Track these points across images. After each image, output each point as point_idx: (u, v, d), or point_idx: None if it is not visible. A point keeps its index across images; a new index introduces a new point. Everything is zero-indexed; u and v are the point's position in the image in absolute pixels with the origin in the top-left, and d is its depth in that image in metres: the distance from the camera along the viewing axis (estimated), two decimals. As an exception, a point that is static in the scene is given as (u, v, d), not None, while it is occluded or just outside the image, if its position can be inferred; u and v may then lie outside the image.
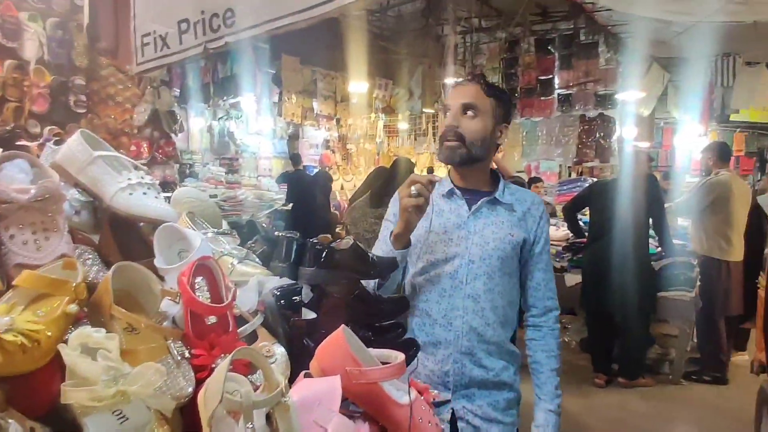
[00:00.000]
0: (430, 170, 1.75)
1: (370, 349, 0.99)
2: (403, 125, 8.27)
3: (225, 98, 6.92)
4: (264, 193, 6.04)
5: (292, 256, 1.19)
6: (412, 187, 1.35)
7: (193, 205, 1.29)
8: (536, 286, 1.57)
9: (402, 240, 1.45)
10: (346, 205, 5.91)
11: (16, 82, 3.20)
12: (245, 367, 0.89)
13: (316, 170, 7.64)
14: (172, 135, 3.73)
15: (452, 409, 1.49)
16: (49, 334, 0.76)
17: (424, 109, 7.65)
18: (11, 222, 0.90)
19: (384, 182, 3.52)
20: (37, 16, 3.30)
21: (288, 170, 7.38)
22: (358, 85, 6.61)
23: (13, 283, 0.81)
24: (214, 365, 0.89)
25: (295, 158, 7.24)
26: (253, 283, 1.12)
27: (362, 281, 1.25)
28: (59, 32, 3.39)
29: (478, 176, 1.56)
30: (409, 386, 0.97)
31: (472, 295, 1.48)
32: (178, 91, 6.22)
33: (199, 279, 0.98)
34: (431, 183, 1.37)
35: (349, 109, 7.69)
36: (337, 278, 1.18)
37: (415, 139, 8.23)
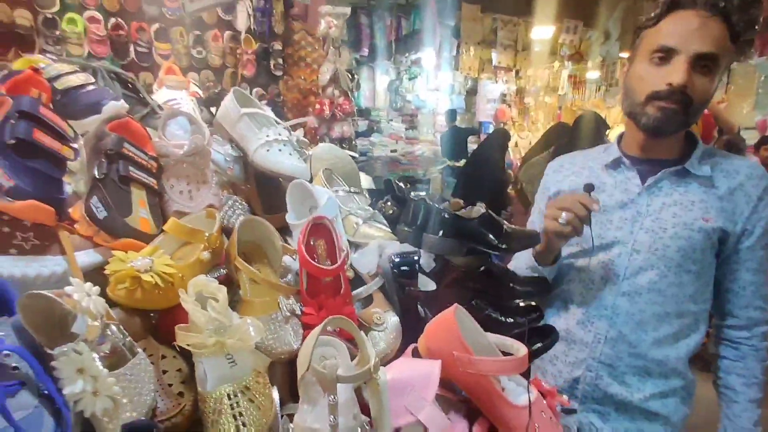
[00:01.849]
0: (590, 187, 1.23)
1: (491, 335, 0.88)
2: (592, 74, 7.10)
3: (407, 55, 6.95)
4: (440, 149, 6.03)
5: (419, 220, 1.10)
6: (563, 215, 1.07)
7: (331, 162, 1.28)
8: (739, 290, 1.13)
9: (546, 258, 1.21)
10: (519, 164, 5.56)
11: (232, 51, 3.62)
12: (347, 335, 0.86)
13: (491, 126, 7.29)
14: (350, 93, 3.88)
15: (579, 422, 1.20)
16: (183, 276, 0.82)
17: (621, 54, 6.46)
18: (171, 174, 0.99)
19: (569, 141, 3.14)
20: (246, -12, 3.67)
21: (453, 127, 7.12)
22: (543, 30, 5.98)
23: (163, 228, 0.88)
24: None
25: (449, 114, 6.93)
26: (373, 246, 1.07)
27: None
28: (262, 2, 3.71)
29: (668, 142, 1.14)
30: (529, 385, 0.85)
31: (629, 293, 1.13)
32: (366, 51, 6.41)
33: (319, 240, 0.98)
34: (586, 214, 1.06)
35: (529, 58, 7.04)
36: (462, 249, 1.06)
37: (607, 90, 7.03)
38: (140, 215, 0.89)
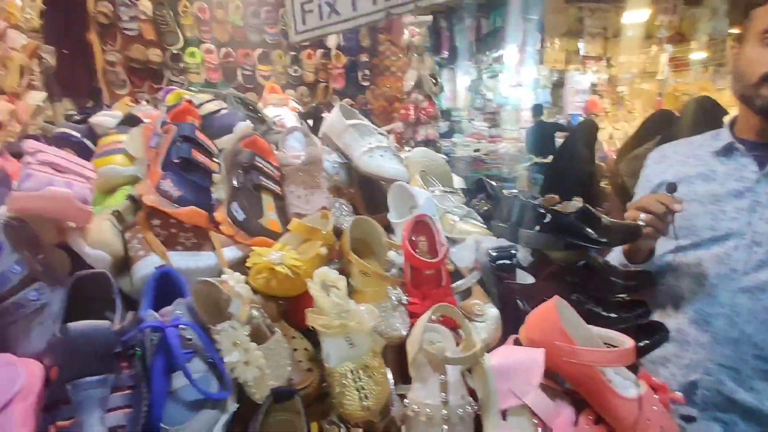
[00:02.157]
0: (673, 187, 1.06)
1: (595, 328, 0.89)
2: (697, 55, 6.35)
3: (488, 53, 6.86)
4: (524, 145, 5.87)
5: (513, 216, 1.14)
6: (641, 215, 1.04)
7: (426, 165, 1.37)
8: None
9: (636, 257, 1.16)
10: (614, 156, 5.25)
11: (324, 67, 3.88)
12: (455, 322, 0.92)
13: (579, 119, 6.95)
14: (433, 97, 3.96)
15: (701, 431, 1.10)
16: (306, 269, 0.95)
17: (730, 30, 5.76)
18: (291, 181, 1.13)
19: (677, 130, 2.86)
20: (335, 7, 3.89)
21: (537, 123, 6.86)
22: (637, 13, 5.56)
23: (288, 227, 1.02)
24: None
25: (535, 109, 6.64)
26: (470, 242, 1.14)
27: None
28: (350, 18, 3.93)
29: None
30: (638, 378, 0.84)
31: (750, 290, 1.05)
32: (447, 53, 6.43)
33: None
34: (667, 215, 1.03)
35: (621, 45, 6.57)
36: (559, 244, 1.06)
37: (716, 70, 6.24)
38: (270, 217, 1.04)
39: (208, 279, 0.81)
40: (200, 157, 0.97)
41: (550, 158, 5.67)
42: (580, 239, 1.05)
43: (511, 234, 1.12)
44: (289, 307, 0.98)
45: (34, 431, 0.66)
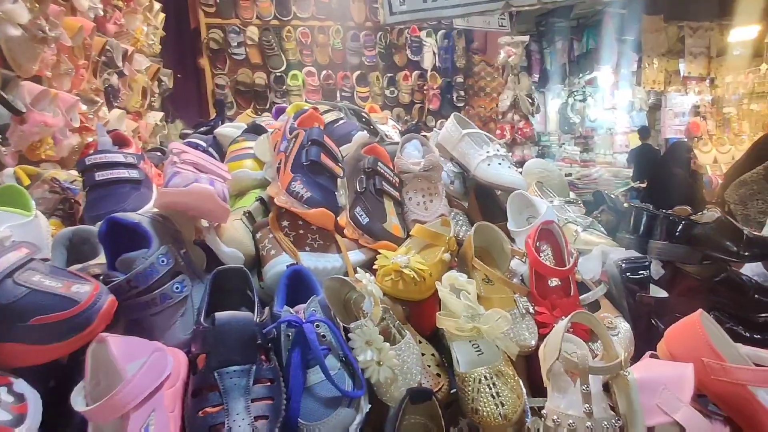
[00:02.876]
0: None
1: (741, 345, 0.80)
2: None
3: (581, 75, 6.61)
4: (619, 170, 5.53)
5: (641, 227, 1.06)
6: None
7: (542, 176, 1.31)
8: None
9: None
10: (719, 181, 4.80)
11: (419, 88, 3.93)
12: (585, 333, 0.86)
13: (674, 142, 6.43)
14: (530, 117, 3.85)
15: None
16: (431, 274, 0.92)
17: None
18: (410, 187, 1.12)
19: None
20: (431, 31, 3.94)
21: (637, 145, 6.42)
22: (744, 31, 5.13)
23: (410, 233, 1.01)
24: (554, 324, 0.91)
25: (642, 131, 6.21)
26: (596, 253, 1.06)
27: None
28: (446, 41, 3.96)
29: None
30: None
31: None
32: (537, 77, 6.30)
33: (544, 244, 1.01)
34: None
35: (727, 64, 6.08)
36: (696, 256, 0.98)
37: None
38: (393, 222, 1.03)
39: (342, 277, 0.81)
40: (327, 161, 0.99)
41: (645, 184, 5.30)
42: (718, 251, 0.96)
43: (640, 246, 1.04)
44: (412, 312, 0.95)
45: (180, 414, 0.68)
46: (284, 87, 3.74)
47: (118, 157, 0.97)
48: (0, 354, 0.59)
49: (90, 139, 1.87)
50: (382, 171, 1.07)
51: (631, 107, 7.34)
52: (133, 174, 0.97)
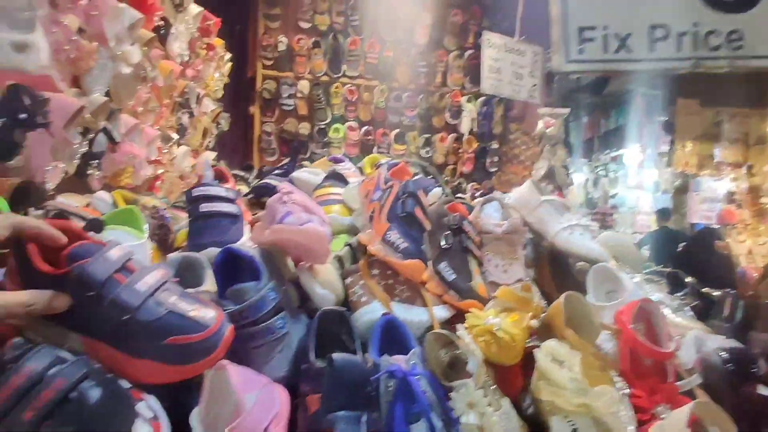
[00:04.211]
0: None
1: None
2: None
3: (606, 152, 6.69)
4: (641, 251, 5.44)
5: (738, 315, 1.03)
6: None
7: (616, 250, 1.30)
8: None
9: None
10: (757, 274, 4.67)
11: (454, 150, 4.03)
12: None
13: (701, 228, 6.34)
14: (563, 188, 3.89)
15: None
16: (522, 339, 0.90)
17: None
18: (489, 249, 1.12)
19: None
20: (472, 97, 4.09)
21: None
22: (785, 119, 5.19)
23: (494, 295, 1.00)
24: (653, 411, 0.87)
25: (662, 214, 6.13)
26: (690, 338, 1.03)
27: None
28: (485, 108, 4.09)
29: None
30: None
31: None
32: (569, 159, 6.35)
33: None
34: None
35: (766, 153, 6.09)
36: None
37: None
38: (478, 281, 1.02)
39: (443, 332, 0.79)
40: (421, 214, 1.00)
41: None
42: None
43: (736, 335, 1.01)
44: (496, 378, 0.92)
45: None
46: (326, 139, 3.86)
47: (221, 192, 1.00)
48: (137, 370, 0.59)
49: (160, 171, 1.94)
50: (467, 230, 1.08)
51: (657, 188, 7.36)
52: (233, 209, 1.00)
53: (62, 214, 0.91)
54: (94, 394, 0.52)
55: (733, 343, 0.98)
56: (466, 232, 1.07)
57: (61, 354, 0.54)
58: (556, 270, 1.24)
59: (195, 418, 0.62)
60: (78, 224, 0.69)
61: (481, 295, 1.00)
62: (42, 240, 0.58)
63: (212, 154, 2.97)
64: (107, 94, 1.44)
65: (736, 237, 6.17)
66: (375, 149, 3.90)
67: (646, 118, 6.01)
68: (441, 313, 0.97)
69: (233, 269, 0.82)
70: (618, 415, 0.80)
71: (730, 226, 6.65)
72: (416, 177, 1.34)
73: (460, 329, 0.82)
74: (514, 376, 0.92)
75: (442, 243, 1.05)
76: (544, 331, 1.00)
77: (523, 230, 1.14)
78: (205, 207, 0.95)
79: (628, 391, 0.88)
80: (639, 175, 7.00)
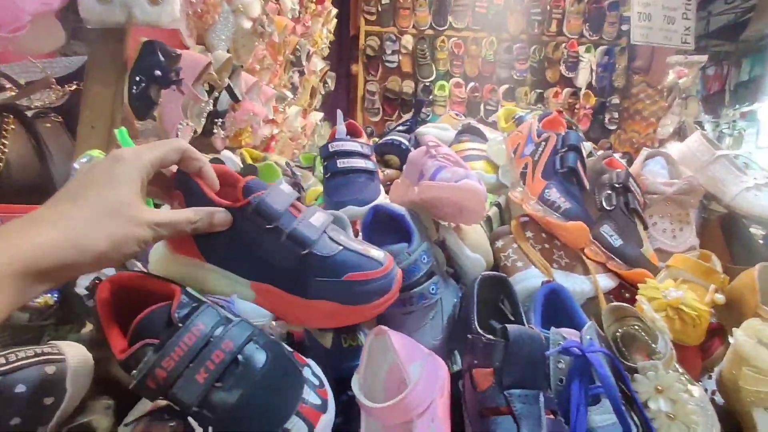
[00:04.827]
0: None
1: None
2: None
3: (737, 107, 5.85)
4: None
5: None
6: None
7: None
8: None
9: None
10: None
11: (570, 106, 3.70)
12: None
13: None
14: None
15: None
16: (707, 317, 0.78)
17: None
18: (654, 211, 0.98)
19: None
20: (591, 47, 3.69)
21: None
22: None
23: (668, 263, 0.87)
24: None
25: None
26: None
27: None
28: (605, 58, 3.68)
29: None
30: None
31: None
32: (704, 114, 5.67)
33: None
34: None
35: None
36: None
37: None
38: (649, 248, 0.90)
39: (625, 305, 0.69)
40: (582, 170, 0.89)
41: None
42: None
43: None
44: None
45: (450, 428, 0.61)
46: (431, 97, 3.72)
47: (356, 146, 0.96)
48: (311, 312, 0.56)
49: (275, 131, 1.96)
50: (634, 189, 0.94)
51: (791, 147, 6.36)
52: (369, 165, 0.95)
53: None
54: (260, 357, 0.50)
55: None
56: (632, 192, 0.94)
57: (225, 314, 0.52)
58: (730, 238, 1.07)
59: (356, 384, 0.59)
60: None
61: (653, 264, 0.88)
62: (202, 176, 0.55)
63: (318, 115, 2.99)
64: (228, 51, 1.45)
65: None
66: (482, 107, 3.69)
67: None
68: (605, 282, 0.86)
69: (380, 230, 0.77)
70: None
71: None
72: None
73: (644, 302, 0.72)
74: (693, 359, 0.80)
75: (604, 204, 0.93)
76: (730, 308, 0.86)
77: (700, 191, 0.98)
78: (342, 162, 0.91)
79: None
80: (772, 133, 6.08)
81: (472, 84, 3.73)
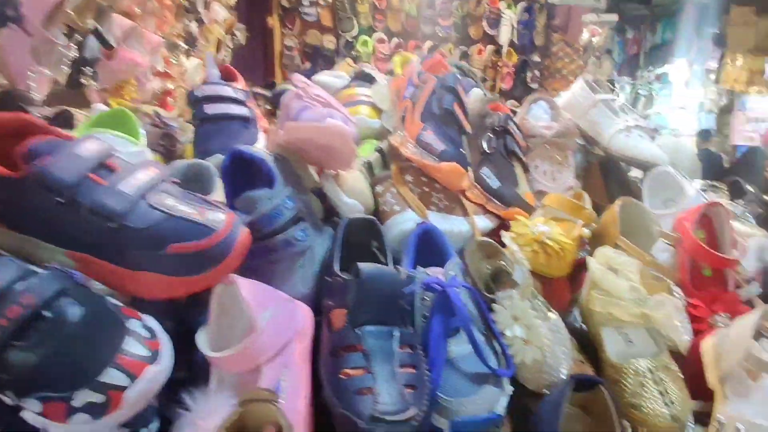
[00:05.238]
0: None
1: None
2: None
3: (651, 69, 6.21)
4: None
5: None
6: None
7: (674, 156, 1.16)
8: None
9: None
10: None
11: (493, 64, 3.74)
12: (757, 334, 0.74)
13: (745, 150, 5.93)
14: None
15: None
16: (572, 250, 0.82)
17: None
18: (536, 154, 1.02)
19: None
20: (512, 3, 3.72)
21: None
22: None
23: (542, 202, 0.90)
24: (710, 320, 0.80)
25: (703, 134, 5.76)
26: (752, 246, 0.93)
27: None
28: (525, 15, 3.73)
29: None
30: None
31: None
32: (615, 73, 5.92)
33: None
34: None
35: (820, 68, 5.55)
36: None
37: None
38: (524, 188, 0.92)
39: (489, 240, 0.71)
40: (459, 112, 0.89)
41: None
42: None
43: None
44: (542, 291, 0.85)
45: (310, 374, 0.61)
46: (353, 53, 3.63)
47: (229, 91, 0.91)
48: (137, 284, 0.52)
49: (171, 86, 1.83)
50: (513, 131, 0.96)
51: (701, 108, 6.86)
52: (243, 111, 0.91)
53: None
54: (74, 312, 0.46)
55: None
56: (511, 134, 0.96)
57: (32, 268, 0.47)
58: (608, 179, 1.13)
59: (202, 337, 0.56)
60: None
61: (528, 203, 0.91)
62: None
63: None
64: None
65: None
66: (404, 64, 3.65)
67: (696, 31, 5.47)
68: (484, 223, 0.88)
69: (244, 176, 0.74)
70: (675, 325, 0.72)
71: (775, 147, 6.19)
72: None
73: (506, 237, 0.74)
74: (562, 290, 0.85)
75: (484, 146, 0.95)
76: (597, 241, 0.91)
77: (575, 132, 1.02)
78: (211, 108, 0.85)
79: (685, 301, 0.80)
80: (683, 94, 6.53)
81: (396, 40, 3.68)
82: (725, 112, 6.90)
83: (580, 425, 0.62)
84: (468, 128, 0.92)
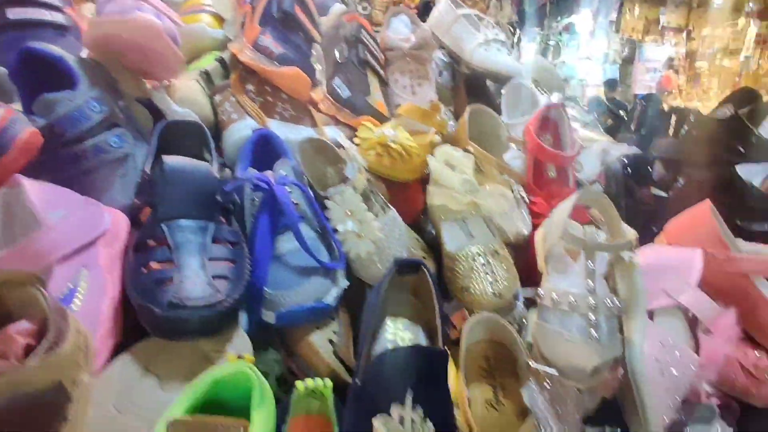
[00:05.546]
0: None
1: (744, 242, 0.76)
2: None
3: (559, 19, 6.45)
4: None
5: (645, 125, 1.00)
6: None
7: (538, 74, 1.20)
8: None
9: None
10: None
11: (395, 4, 3.68)
12: (586, 218, 0.80)
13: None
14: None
15: None
16: (419, 154, 0.82)
17: None
18: (396, 68, 1.00)
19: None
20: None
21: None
22: (729, -20, 5.12)
23: (396, 111, 0.89)
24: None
25: (609, 84, 6.18)
26: (596, 149, 0.99)
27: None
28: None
29: None
30: None
31: None
32: (515, 17, 6.07)
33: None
34: None
35: (706, 16, 6.07)
36: (700, 155, 0.94)
37: None
38: (377, 97, 0.91)
39: (320, 138, 0.69)
40: (303, 17, 0.85)
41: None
42: (726, 152, 0.91)
43: (641, 144, 0.98)
44: (394, 197, 0.86)
45: (120, 278, 0.57)
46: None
47: (36, -7, 0.80)
48: None
49: None
50: (366, 40, 0.94)
51: (606, 59, 7.27)
52: (57, 17, 0.80)
53: None
54: None
55: (635, 150, 0.94)
56: (364, 43, 0.93)
57: None
58: (472, 95, 1.15)
59: None
60: None
61: (380, 112, 0.90)
62: None
63: None
64: None
65: (671, 102, 6.30)
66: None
67: (600, -20, 5.73)
68: (333, 133, 0.86)
69: (48, 79, 0.66)
70: (511, 216, 0.75)
71: (668, 92, 6.78)
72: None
73: (343, 140, 0.72)
74: (415, 196, 0.85)
75: (337, 56, 0.92)
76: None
77: (433, 45, 1.01)
78: (14, 13, 0.75)
79: (527, 199, 0.84)
80: (589, 46, 6.85)
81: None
82: (628, 63, 7.35)
83: (410, 309, 0.64)
84: (316, 35, 0.88)
